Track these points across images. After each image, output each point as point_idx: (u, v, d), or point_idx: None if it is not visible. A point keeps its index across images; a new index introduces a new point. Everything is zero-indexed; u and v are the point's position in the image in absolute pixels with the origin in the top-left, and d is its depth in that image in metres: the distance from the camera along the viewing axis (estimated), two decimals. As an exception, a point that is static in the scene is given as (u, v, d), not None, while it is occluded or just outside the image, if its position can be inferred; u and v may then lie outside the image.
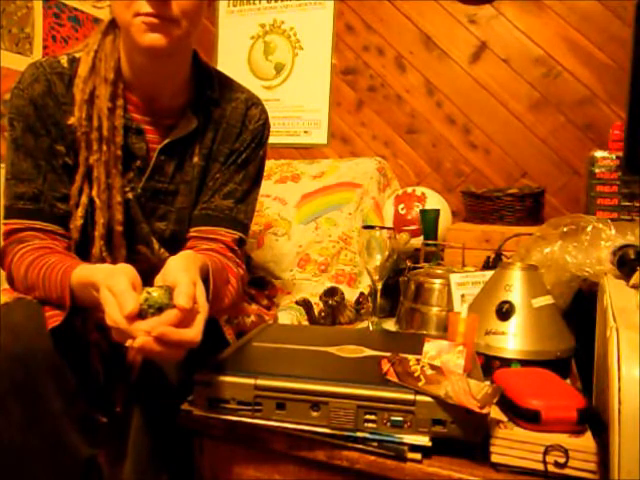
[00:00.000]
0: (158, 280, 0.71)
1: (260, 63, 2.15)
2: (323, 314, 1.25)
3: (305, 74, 2.07)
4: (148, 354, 0.64)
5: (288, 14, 2.09)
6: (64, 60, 0.93)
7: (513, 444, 0.64)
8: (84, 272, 0.77)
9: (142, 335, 0.61)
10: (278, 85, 2.11)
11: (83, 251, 0.92)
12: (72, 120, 0.90)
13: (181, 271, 0.69)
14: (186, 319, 0.64)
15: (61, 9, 1.88)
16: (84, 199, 0.92)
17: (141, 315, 0.63)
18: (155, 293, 0.64)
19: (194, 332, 0.64)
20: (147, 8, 0.81)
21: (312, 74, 2.05)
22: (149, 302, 0.63)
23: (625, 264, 0.86)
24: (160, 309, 0.63)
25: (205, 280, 0.77)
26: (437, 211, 1.43)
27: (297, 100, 2.07)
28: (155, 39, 0.83)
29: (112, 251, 0.94)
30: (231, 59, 2.16)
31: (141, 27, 0.82)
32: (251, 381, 0.70)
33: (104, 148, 0.91)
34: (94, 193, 0.91)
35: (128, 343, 0.63)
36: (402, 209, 1.66)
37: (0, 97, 1.72)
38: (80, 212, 0.91)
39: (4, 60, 1.71)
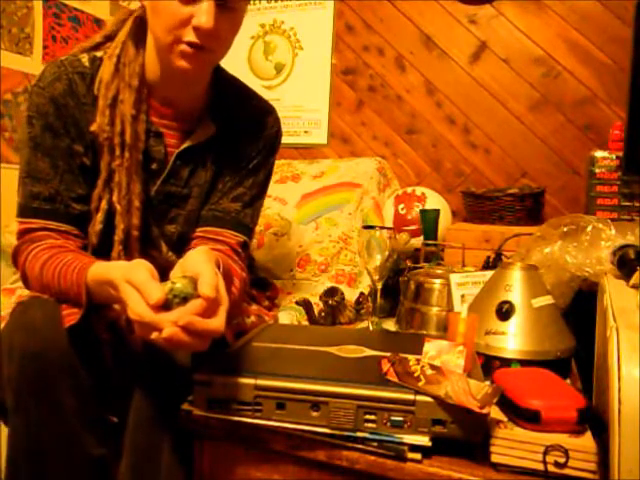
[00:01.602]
0: (176, 272, 0.70)
1: (260, 63, 2.15)
2: (323, 314, 1.25)
3: (305, 74, 2.07)
4: (175, 345, 0.62)
5: (288, 14, 2.09)
6: (85, 59, 0.92)
7: (513, 444, 0.64)
8: (100, 270, 0.77)
9: (169, 326, 0.60)
10: (278, 85, 2.11)
11: (100, 256, 0.92)
12: (94, 127, 0.89)
13: (203, 262, 0.68)
14: (210, 309, 0.63)
15: (61, 9, 1.88)
16: (104, 204, 0.91)
17: (166, 305, 0.62)
18: (179, 283, 0.64)
19: (218, 322, 0.64)
20: (192, 37, 0.82)
21: (312, 74, 2.05)
22: (174, 292, 0.63)
23: (625, 264, 0.86)
24: (185, 299, 0.63)
25: None
26: (437, 211, 1.43)
27: (297, 100, 2.07)
28: (189, 67, 0.85)
29: (128, 256, 0.93)
30: (231, 59, 2.13)
31: (180, 54, 0.84)
32: (251, 381, 0.70)
33: (126, 154, 0.90)
34: (114, 198, 0.91)
35: (154, 336, 0.62)
36: (402, 209, 1.66)
37: (0, 97, 1.72)
38: (100, 217, 0.91)
39: (4, 60, 1.71)
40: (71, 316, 0.79)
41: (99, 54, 0.94)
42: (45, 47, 1.83)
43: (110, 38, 0.95)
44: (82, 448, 0.76)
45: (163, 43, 0.85)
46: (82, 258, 0.84)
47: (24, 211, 0.90)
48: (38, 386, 0.73)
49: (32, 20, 1.79)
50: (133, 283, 0.65)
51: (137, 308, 0.63)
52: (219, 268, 0.78)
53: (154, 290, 0.62)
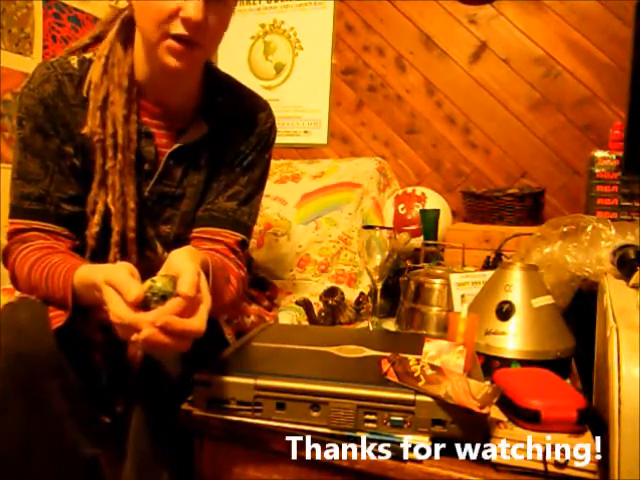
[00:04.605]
0: (161, 271, 0.70)
1: (260, 63, 2.15)
2: (323, 314, 1.25)
3: (305, 74, 2.07)
4: (154, 346, 0.62)
5: (288, 14, 2.09)
6: (74, 61, 0.92)
7: (513, 444, 0.64)
8: (85, 272, 0.77)
9: (147, 327, 0.60)
10: (278, 85, 2.11)
11: (97, 259, 0.92)
12: (86, 129, 0.89)
13: (185, 261, 0.68)
14: (189, 308, 0.63)
15: (61, 9, 1.88)
16: (100, 206, 0.91)
17: (145, 304, 0.62)
18: (159, 282, 0.64)
19: (198, 322, 0.64)
20: (181, 30, 0.81)
21: (312, 74, 2.05)
22: (153, 290, 0.63)
23: (625, 264, 0.86)
24: (164, 297, 0.63)
25: (205, 275, 0.77)
26: (437, 211, 1.43)
27: (297, 100, 2.07)
28: (179, 64, 0.84)
29: (125, 258, 0.93)
30: (231, 59, 2.16)
31: (168, 50, 0.83)
32: (251, 381, 0.70)
33: (119, 156, 0.90)
34: (109, 200, 0.91)
35: (134, 338, 0.62)
36: (402, 209, 1.66)
37: (0, 97, 1.72)
38: (96, 219, 0.91)
39: (4, 60, 1.71)
40: (58, 318, 0.79)
41: (88, 56, 0.93)
42: (45, 47, 1.83)
43: (98, 39, 0.95)
44: (74, 448, 0.76)
45: (151, 39, 0.84)
46: (70, 260, 0.84)
47: (15, 211, 0.90)
48: (25, 386, 0.73)
49: (32, 20, 1.79)
50: (112, 283, 0.65)
51: (117, 310, 0.63)
52: (207, 267, 0.78)
53: (132, 288, 0.63)
